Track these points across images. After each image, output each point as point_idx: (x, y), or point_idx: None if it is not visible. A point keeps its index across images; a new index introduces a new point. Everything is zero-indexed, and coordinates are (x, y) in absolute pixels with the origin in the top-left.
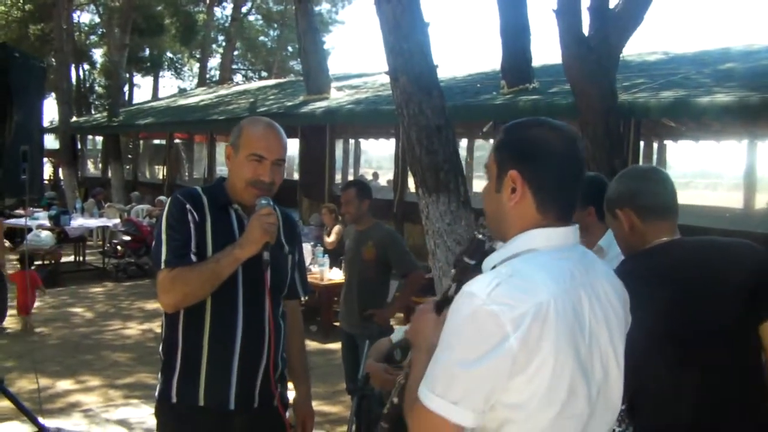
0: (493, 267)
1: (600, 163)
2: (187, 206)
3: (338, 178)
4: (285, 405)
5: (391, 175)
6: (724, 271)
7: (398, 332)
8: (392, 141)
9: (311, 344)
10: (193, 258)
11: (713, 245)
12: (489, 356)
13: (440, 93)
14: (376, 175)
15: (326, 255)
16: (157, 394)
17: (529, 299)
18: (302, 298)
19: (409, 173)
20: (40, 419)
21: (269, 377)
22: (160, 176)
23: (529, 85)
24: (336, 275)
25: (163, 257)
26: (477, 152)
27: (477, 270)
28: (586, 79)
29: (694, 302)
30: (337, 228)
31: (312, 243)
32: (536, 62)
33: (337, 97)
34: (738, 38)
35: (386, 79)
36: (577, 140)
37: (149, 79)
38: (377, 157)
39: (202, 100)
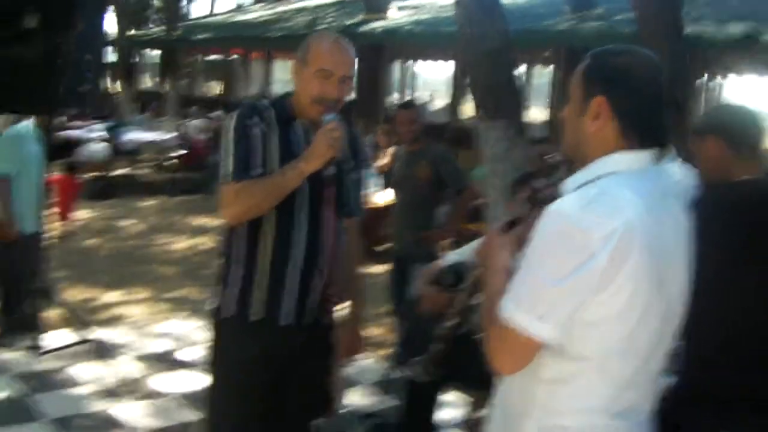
0: (575, 188)
1: (669, 95)
2: (255, 118)
3: (394, 99)
4: (333, 325)
5: (446, 99)
6: None
7: (450, 257)
8: (450, 63)
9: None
10: (260, 170)
11: None
12: (578, 271)
13: (502, 15)
14: (432, 98)
15: (379, 177)
16: (213, 307)
17: (618, 216)
18: (356, 216)
19: (465, 97)
20: (87, 330)
21: (326, 295)
22: (216, 92)
23: (593, 11)
24: (384, 197)
25: (231, 170)
26: (536, 79)
27: (548, 190)
28: (653, 6)
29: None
30: (391, 150)
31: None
32: None
33: (397, 16)
34: None
35: None
36: (661, 69)
37: None
38: (433, 80)
39: (261, 16)
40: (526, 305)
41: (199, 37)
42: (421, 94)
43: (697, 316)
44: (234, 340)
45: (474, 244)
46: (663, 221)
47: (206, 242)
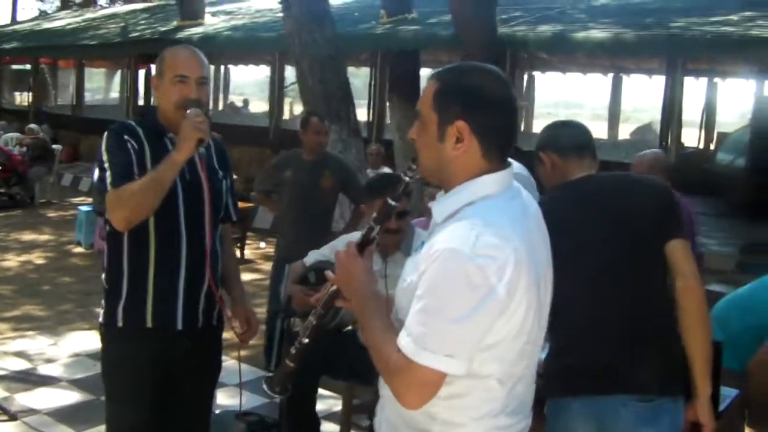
0: (448, 216)
1: None
2: (125, 136)
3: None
4: (223, 322)
5: (259, 103)
6: (633, 201)
7: (311, 256)
8: (263, 68)
9: None
10: (137, 178)
11: (625, 178)
12: (480, 307)
13: (332, 23)
14: (246, 102)
15: None
16: (101, 320)
17: (506, 247)
18: (234, 220)
19: (285, 101)
20: None
21: (212, 296)
22: (25, 103)
23: (408, 15)
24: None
25: (109, 180)
26: (352, 79)
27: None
28: (470, 10)
29: (606, 229)
30: None
31: None
32: None
33: (213, 22)
34: None
35: (262, 4)
36: (508, 82)
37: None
38: (242, 83)
39: (69, 24)
40: (433, 346)
41: (7, 46)
42: (235, 99)
43: (562, 300)
44: (128, 350)
45: (336, 243)
46: (533, 236)
47: (39, 258)
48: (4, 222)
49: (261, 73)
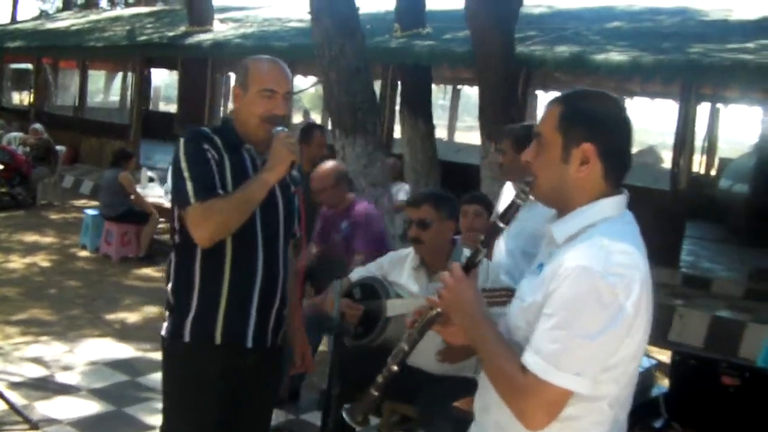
0: (570, 237)
1: (497, 110)
2: (204, 145)
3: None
4: (286, 342)
5: None
6: None
7: (356, 272)
8: None
9: None
10: (221, 191)
11: None
12: (610, 326)
13: (362, 35)
14: None
15: None
16: (165, 333)
17: (634, 267)
18: (298, 236)
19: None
20: None
21: (282, 315)
22: (26, 102)
23: (423, 30)
24: None
25: (191, 191)
26: None
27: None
28: (490, 27)
29: None
30: None
31: None
32: (428, 6)
33: (221, 29)
34: None
35: (270, 13)
36: (625, 109)
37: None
38: None
39: (73, 25)
40: (564, 364)
41: (11, 45)
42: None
43: None
44: (194, 366)
45: (383, 261)
46: (645, 257)
47: (44, 261)
48: (7, 222)
49: None
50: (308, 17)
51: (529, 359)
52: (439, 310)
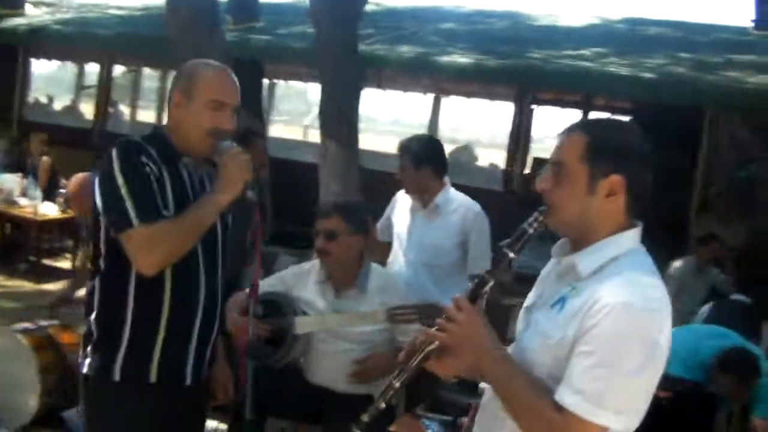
0: (595, 270)
1: (341, 110)
2: (142, 158)
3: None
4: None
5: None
6: None
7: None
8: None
9: (25, 285)
10: (167, 212)
11: None
12: (649, 361)
13: (222, 30)
14: (51, 99)
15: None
16: (89, 371)
17: (663, 300)
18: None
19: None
20: None
21: (215, 347)
22: None
23: (256, 24)
24: (50, 210)
25: (133, 213)
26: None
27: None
28: (333, 26)
29: None
30: (44, 161)
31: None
32: None
33: (35, 14)
34: None
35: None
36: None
37: None
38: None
39: None
40: (607, 403)
41: None
42: (39, 95)
43: None
44: (124, 408)
45: (285, 275)
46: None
47: None
48: None
49: (67, 70)
50: (128, 4)
51: (569, 399)
52: (437, 343)
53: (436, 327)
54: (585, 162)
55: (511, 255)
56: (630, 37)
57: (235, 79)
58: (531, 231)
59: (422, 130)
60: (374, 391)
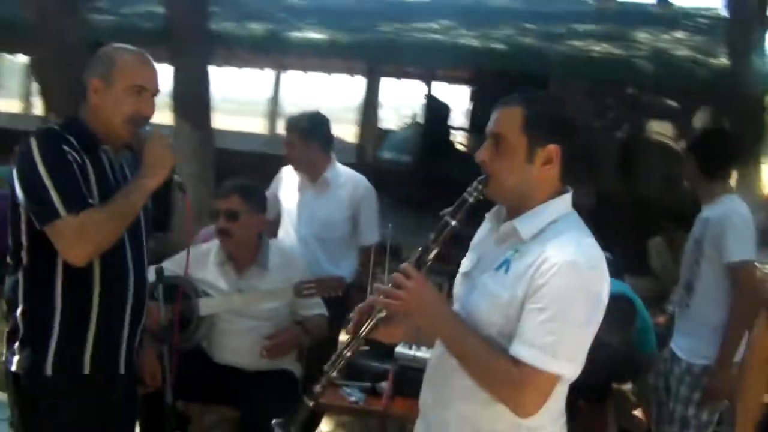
0: (536, 233)
1: (193, 90)
2: (64, 146)
3: None
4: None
5: None
6: None
7: (150, 270)
8: None
9: None
10: (93, 201)
11: None
12: (594, 313)
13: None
14: None
15: None
16: (18, 369)
17: (601, 258)
18: None
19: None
20: None
21: (142, 334)
22: None
23: (97, 2)
24: None
25: (58, 203)
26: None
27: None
28: (184, 2)
29: None
30: None
31: None
32: None
33: None
34: None
35: None
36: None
37: None
38: None
39: None
40: (560, 352)
41: None
42: None
43: None
44: (53, 402)
45: (181, 257)
46: None
47: None
48: None
49: None
50: None
51: (525, 353)
52: (384, 312)
53: (383, 295)
54: (524, 133)
55: (453, 223)
56: (476, 9)
57: (154, 63)
58: (471, 200)
59: (263, 108)
60: (281, 365)
